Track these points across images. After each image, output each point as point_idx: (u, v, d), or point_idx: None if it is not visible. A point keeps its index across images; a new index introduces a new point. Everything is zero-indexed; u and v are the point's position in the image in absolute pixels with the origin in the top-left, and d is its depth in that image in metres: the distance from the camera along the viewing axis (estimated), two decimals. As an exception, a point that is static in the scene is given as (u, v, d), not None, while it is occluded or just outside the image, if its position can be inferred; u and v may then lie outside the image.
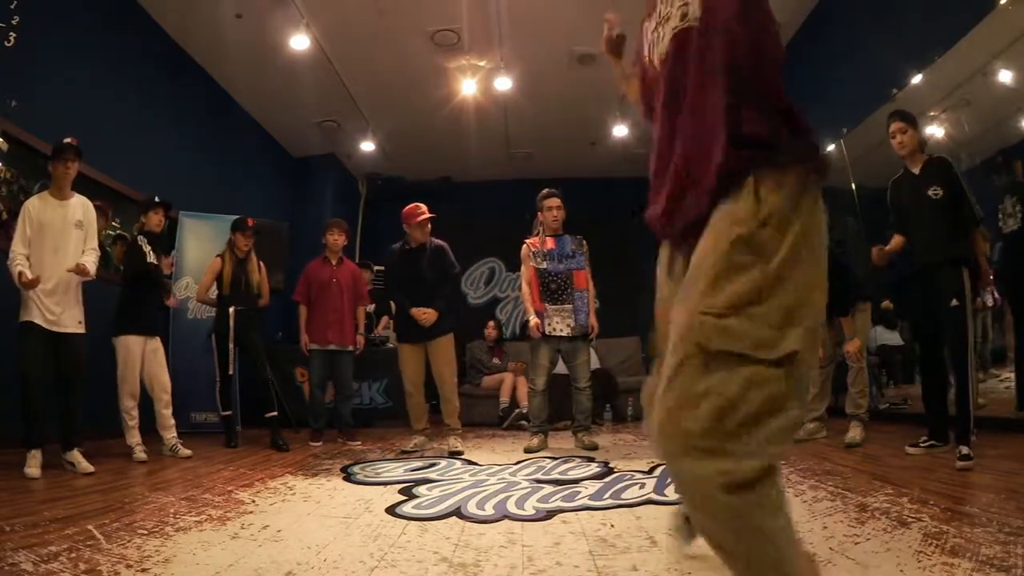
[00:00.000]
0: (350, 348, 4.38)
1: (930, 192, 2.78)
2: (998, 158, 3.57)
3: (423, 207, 3.83)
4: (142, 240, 3.59)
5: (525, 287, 3.82)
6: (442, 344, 3.75)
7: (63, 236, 3.01)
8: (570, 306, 3.70)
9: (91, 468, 2.85)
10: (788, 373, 0.78)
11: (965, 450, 2.43)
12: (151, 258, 3.54)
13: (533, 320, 3.71)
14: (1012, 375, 3.49)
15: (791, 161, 0.84)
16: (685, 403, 0.78)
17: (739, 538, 0.78)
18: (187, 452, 3.46)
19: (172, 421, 3.58)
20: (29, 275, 2.80)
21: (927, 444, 2.80)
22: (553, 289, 3.73)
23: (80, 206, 3.12)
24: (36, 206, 2.99)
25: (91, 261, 3.07)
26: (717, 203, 0.86)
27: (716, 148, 0.86)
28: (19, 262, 2.84)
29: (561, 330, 3.68)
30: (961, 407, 2.60)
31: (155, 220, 3.67)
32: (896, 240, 3.03)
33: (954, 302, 2.65)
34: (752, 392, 0.76)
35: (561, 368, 3.89)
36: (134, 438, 3.36)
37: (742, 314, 0.78)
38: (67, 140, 3.05)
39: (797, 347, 0.78)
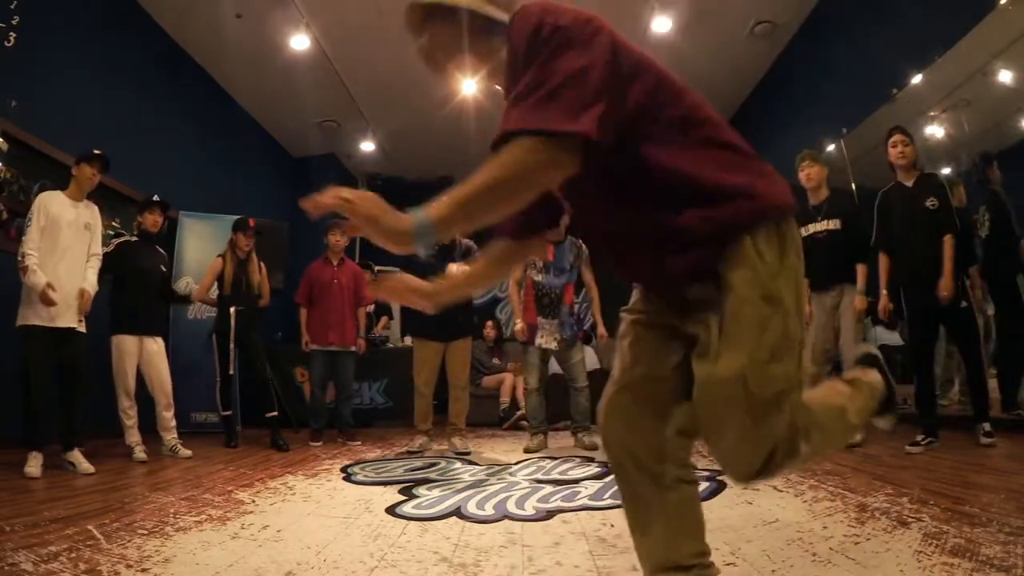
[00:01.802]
0: (351, 348, 4.38)
1: (927, 203, 3.00)
2: (976, 161, 3.60)
3: None
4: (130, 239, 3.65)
5: (513, 287, 3.86)
6: (462, 347, 3.76)
7: (72, 235, 3.04)
8: (557, 321, 3.70)
9: (91, 468, 2.85)
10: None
11: (988, 427, 2.66)
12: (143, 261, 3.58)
13: (519, 324, 3.75)
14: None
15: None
16: (750, 446, 0.91)
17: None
18: (187, 453, 3.46)
19: (173, 423, 3.58)
20: (52, 297, 2.82)
21: (926, 442, 2.87)
22: (545, 304, 3.72)
23: (90, 210, 3.17)
24: (50, 201, 3.01)
25: (92, 283, 3.11)
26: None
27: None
28: (34, 261, 2.85)
29: (549, 343, 3.68)
30: (978, 391, 2.85)
31: (151, 220, 3.66)
32: (884, 263, 3.25)
33: (964, 304, 2.90)
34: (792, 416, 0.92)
35: (559, 367, 3.89)
36: (133, 437, 3.36)
37: (776, 359, 0.89)
38: (96, 152, 3.13)
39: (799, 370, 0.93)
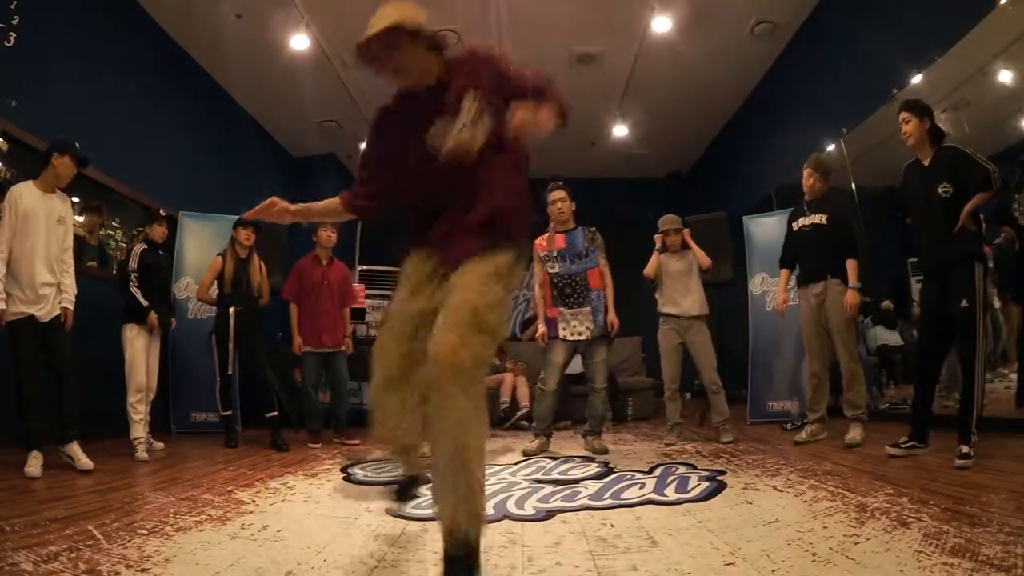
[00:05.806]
0: (342, 348, 4.35)
1: (940, 190, 2.68)
2: (1017, 168, 3.47)
3: None
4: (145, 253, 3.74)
5: (537, 290, 3.68)
6: None
7: (47, 229, 2.96)
8: (588, 308, 3.49)
9: (90, 464, 2.83)
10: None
11: (965, 449, 2.42)
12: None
13: (541, 329, 3.58)
14: (1016, 375, 3.47)
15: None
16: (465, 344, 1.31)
17: None
18: (146, 456, 3.35)
19: (147, 418, 3.63)
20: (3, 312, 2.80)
21: (907, 445, 2.74)
22: (568, 293, 3.52)
23: (63, 203, 3.08)
24: (22, 194, 2.92)
25: (71, 294, 3.05)
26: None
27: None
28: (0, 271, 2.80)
29: (580, 333, 3.49)
30: (964, 407, 2.57)
31: (159, 232, 3.82)
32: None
33: (964, 303, 2.58)
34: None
35: (568, 367, 3.66)
36: (138, 432, 3.38)
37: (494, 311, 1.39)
38: (74, 144, 3.07)
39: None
